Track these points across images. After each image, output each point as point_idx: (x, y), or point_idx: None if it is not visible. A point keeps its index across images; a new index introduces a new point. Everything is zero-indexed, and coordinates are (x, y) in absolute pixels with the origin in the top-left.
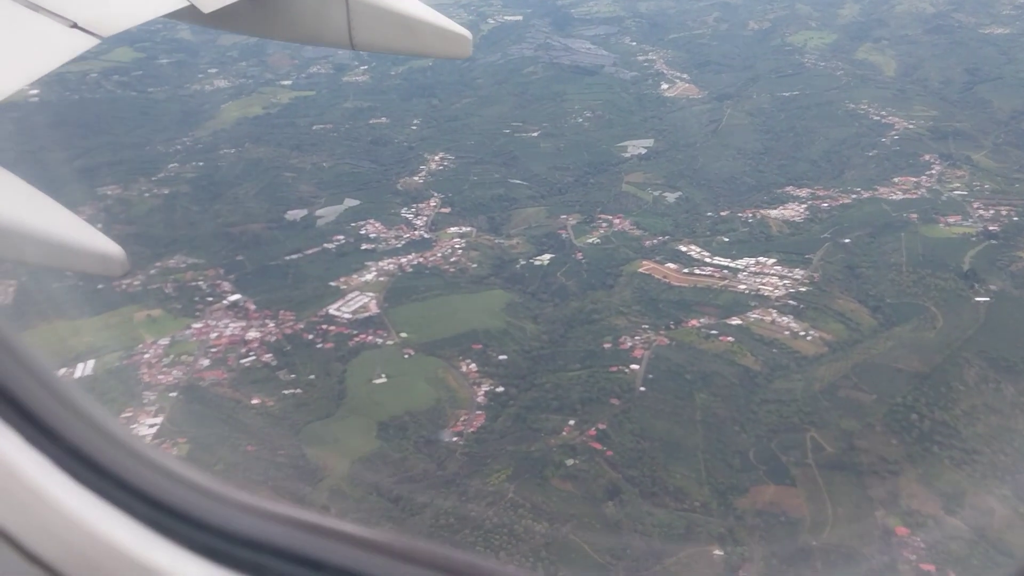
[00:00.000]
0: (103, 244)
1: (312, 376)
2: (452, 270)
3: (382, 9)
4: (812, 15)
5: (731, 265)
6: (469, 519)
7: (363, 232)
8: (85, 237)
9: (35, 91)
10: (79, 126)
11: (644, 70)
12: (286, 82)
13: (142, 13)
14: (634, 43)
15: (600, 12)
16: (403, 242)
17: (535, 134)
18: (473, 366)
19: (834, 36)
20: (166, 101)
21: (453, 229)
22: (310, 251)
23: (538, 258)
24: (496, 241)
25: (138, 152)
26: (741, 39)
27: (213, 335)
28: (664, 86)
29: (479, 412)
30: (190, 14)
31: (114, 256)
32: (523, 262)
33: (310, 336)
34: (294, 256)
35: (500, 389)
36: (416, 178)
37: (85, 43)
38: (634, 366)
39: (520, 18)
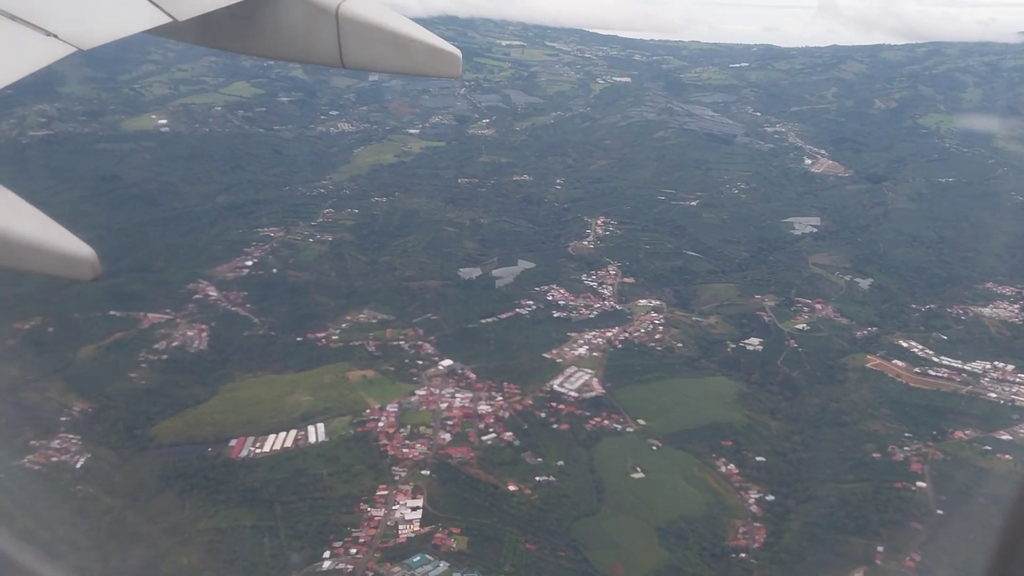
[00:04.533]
0: (69, 243)
1: (561, 462)
2: (659, 348)
3: (372, 26)
4: (936, 97)
5: (967, 368)
6: None
7: (550, 298)
8: (49, 234)
9: (164, 121)
10: (214, 159)
11: (778, 142)
12: (413, 131)
13: (123, 28)
14: (757, 113)
15: (711, 79)
16: (595, 312)
17: (693, 203)
18: (732, 467)
19: (965, 121)
20: (294, 141)
21: (643, 302)
22: (504, 315)
23: (747, 342)
24: (693, 319)
25: (280, 192)
26: (869, 117)
27: (443, 405)
28: (807, 161)
29: (757, 524)
30: (171, 30)
31: (83, 257)
32: (732, 345)
33: (542, 414)
34: (489, 320)
35: (771, 497)
36: (585, 243)
37: (61, 51)
38: (920, 483)
39: (629, 80)
